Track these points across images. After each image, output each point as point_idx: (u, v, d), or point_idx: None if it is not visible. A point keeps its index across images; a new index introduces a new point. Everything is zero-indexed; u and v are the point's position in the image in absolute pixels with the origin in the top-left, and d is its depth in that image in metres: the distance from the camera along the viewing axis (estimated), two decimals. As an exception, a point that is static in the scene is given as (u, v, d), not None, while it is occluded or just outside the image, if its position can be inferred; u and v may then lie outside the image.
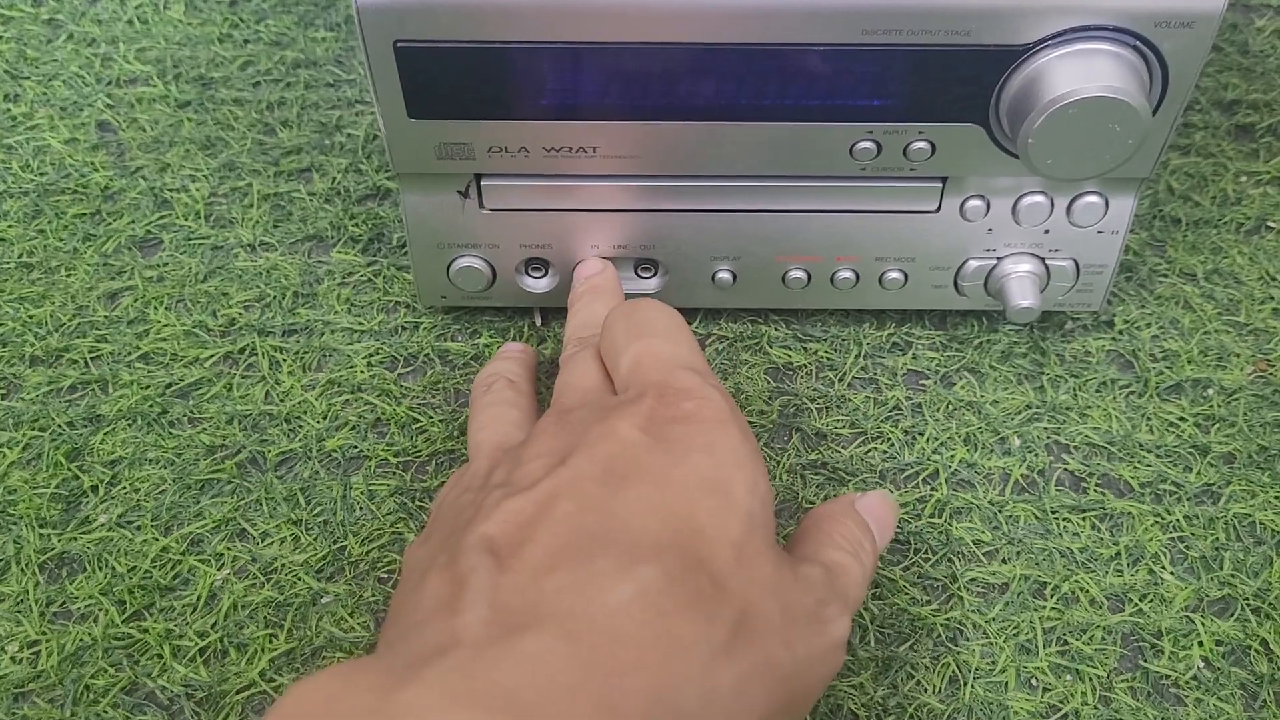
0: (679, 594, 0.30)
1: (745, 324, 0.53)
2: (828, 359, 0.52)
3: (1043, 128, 0.41)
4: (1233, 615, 0.45)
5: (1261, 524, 0.47)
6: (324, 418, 0.50)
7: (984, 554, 0.46)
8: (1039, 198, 0.47)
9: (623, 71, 0.42)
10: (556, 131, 0.44)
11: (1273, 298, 0.54)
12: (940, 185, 0.47)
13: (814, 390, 0.51)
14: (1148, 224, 0.57)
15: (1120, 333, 0.53)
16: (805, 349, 0.52)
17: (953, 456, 0.49)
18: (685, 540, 0.32)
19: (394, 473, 0.48)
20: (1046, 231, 0.48)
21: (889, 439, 0.49)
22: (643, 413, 0.35)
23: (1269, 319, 0.53)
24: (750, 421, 0.50)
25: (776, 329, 0.53)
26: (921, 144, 0.44)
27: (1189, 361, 0.52)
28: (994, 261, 0.49)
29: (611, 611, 0.29)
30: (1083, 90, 0.40)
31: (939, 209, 0.48)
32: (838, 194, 0.47)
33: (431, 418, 0.50)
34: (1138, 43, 0.41)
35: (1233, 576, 0.45)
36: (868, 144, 0.44)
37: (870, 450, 0.49)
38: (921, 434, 0.50)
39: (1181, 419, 0.50)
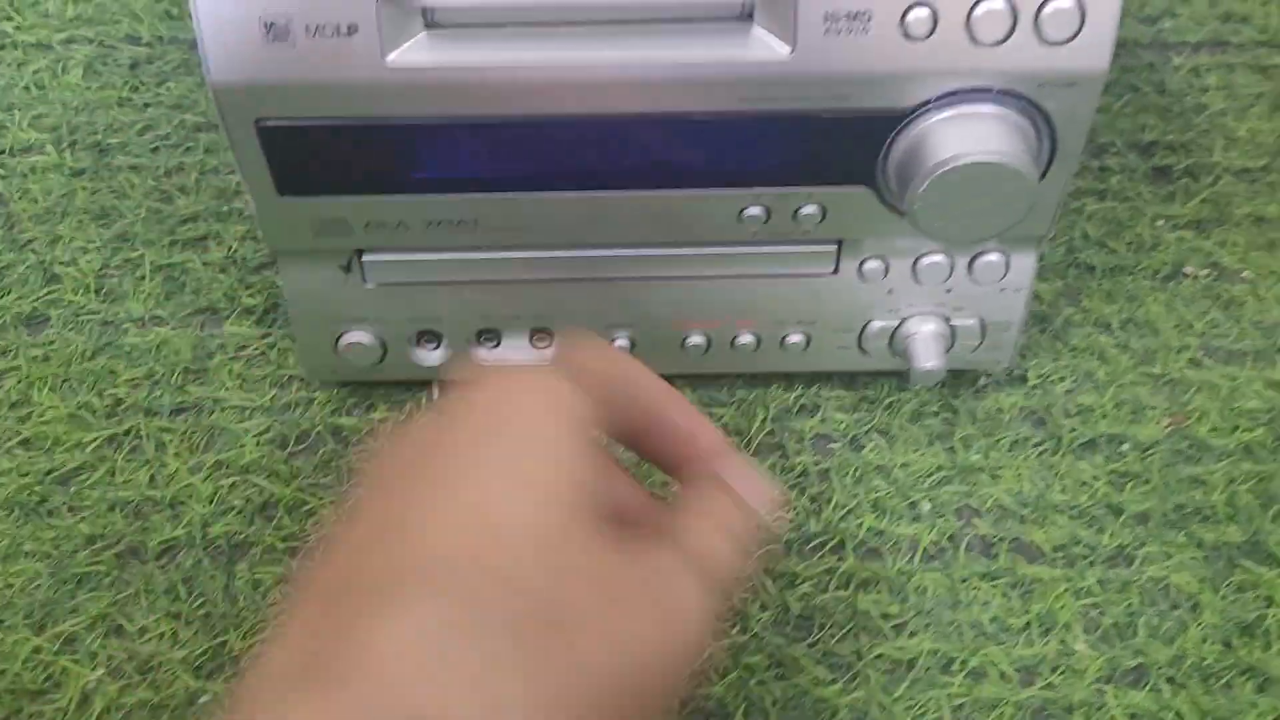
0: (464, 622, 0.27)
1: (650, 389, 0.51)
2: (733, 424, 0.50)
3: (928, 193, 0.40)
4: (1146, 686, 0.43)
5: (1176, 587, 0.46)
6: (209, 501, 0.48)
7: (891, 628, 0.45)
8: (938, 258, 0.46)
9: (497, 144, 0.41)
10: (434, 206, 0.43)
11: (1189, 346, 0.53)
12: (835, 248, 0.45)
13: (719, 458, 0.49)
14: (1062, 272, 0.56)
15: (1034, 388, 0.52)
16: (710, 414, 0.51)
17: (860, 524, 0.47)
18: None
19: (281, 559, 0.46)
20: (949, 291, 0.47)
21: (795, 507, 0.48)
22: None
23: (1185, 369, 0.52)
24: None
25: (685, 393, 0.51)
26: (811, 208, 0.43)
27: (1103, 416, 0.50)
28: (897, 322, 0.48)
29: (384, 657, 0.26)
30: (966, 155, 0.39)
31: (836, 271, 0.46)
32: (731, 260, 0.46)
33: (322, 499, 0.48)
34: (1023, 104, 0.40)
35: (1146, 644, 0.44)
36: (756, 210, 0.43)
37: (776, 519, 0.48)
38: (829, 501, 0.48)
39: (1095, 477, 0.49)
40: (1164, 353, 0.53)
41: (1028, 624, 0.45)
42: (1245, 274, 0.56)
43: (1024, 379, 0.52)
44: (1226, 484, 0.48)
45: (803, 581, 0.46)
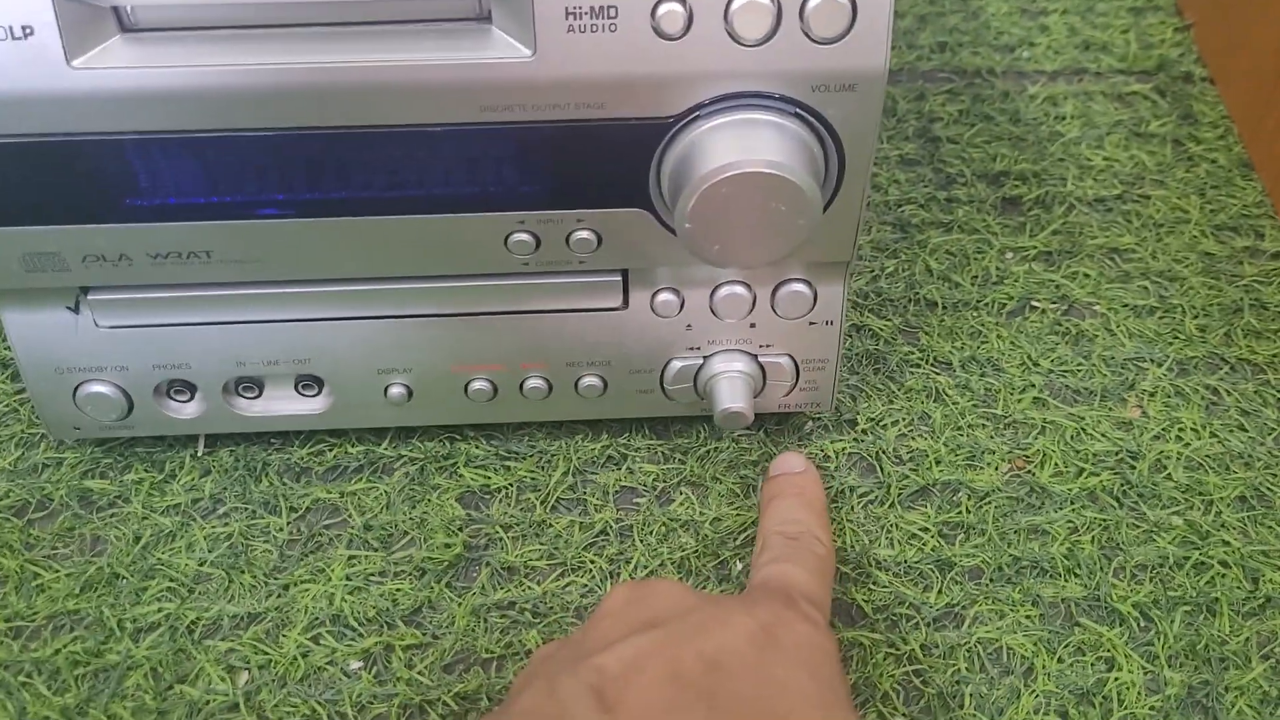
0: None
1: (441, 442, 0.47)
2: (530, 479, 0.46)
3: (697, 209, 0.35)
4: (971, 764, 0.38)
5: (1009, 649, 0.41)
6: (-74, 578, 0.42)
7: (688, 704, 0.40)
8: (737, 288, 0.41)
9: (212, 162, 0.36)
10: (153, 236, 0.38)
11: (1034, 385, 0.49)
12: (620, 279, 0.41)
13: (510, 517, 0.44)
14: (901, 309, 0.52)
15: (864, 432, 0.47)
16: (506, 468, 0.46)
17: (662, 587, 0.42)
18: None
19: (1, 641, 0.41)
20: (753, 325, 0.43)
21: (590, 570, 0.43)
22: (759, 616, 0.34)
23: (1029, 410, 0.48)
24: (429, 559, 0.43)
25: (476, 446, 0.46)
26: (584, 233, 0.39)
27: (937, 462, 0.46)
28: (699, 361, 0.43)
29: None
30: (736, 165, 0.35)
31: (626, 305, 0.42)
32: (507, 293, 0.41)
33: (56, 572, 0.43)
34: (801, 111, 0.36)
35: (974, 717, 0.39)
36: (523, 236, 0.39)
37: (569, 585, 0.43)
38: (628, 562, 0.43)
39: (925, 529, 0.44)
40: (1006, 392, 0.48)
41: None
42: (1096, 307, 0.52)
43: (853, 423, 0.47)
44: (1068, 534, 0.44)
45: (592, 653, 0.41)
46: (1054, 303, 0.52)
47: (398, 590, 0.42)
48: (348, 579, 0.43)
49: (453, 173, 0.37)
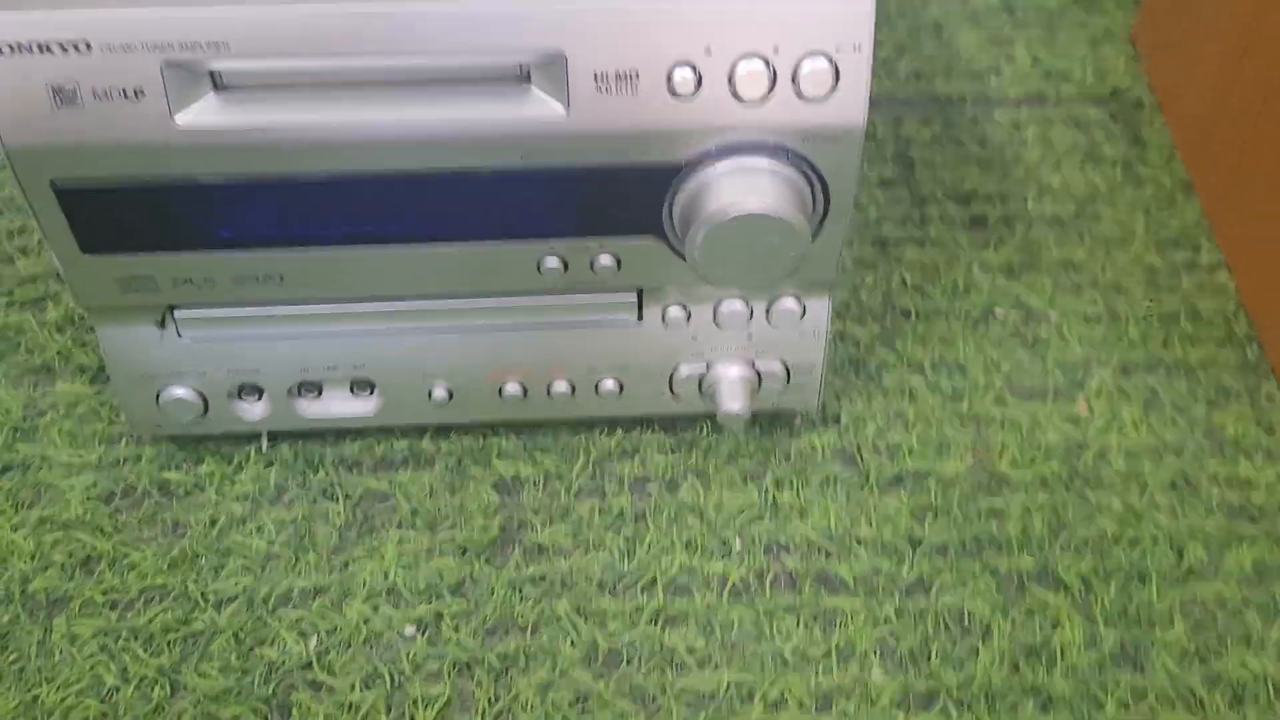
0: None
1: (475, 437, 0.53)
2: (556, 470, 0.52)
3: (705, 242, 0.42)
4: (937, 709, 0.45)
5: (970, 613, 0.48)
6: (31, 558, 0.48)
7: (696, 661, 0.46)
8: (736, 304, 0.48)
9: (291, 202, 0.42)
10: (236, 263, 0.44)
11: (995, 385, 0.55)
12: (636, 296, 0.47)
13: (539, 502, 0.51)
14: (879, 317, 0.58)
15: (846, 427, 0.54)
16: (533, 460, 0.52)
17: (672, 562, 0.49)
18: None
19: (100, 612, 0.47)
20: (750, 336, 0.49)
21: (610, 549, 0.49)
22: None
23: (990, 406, 0.55)
24: (469, 539, 0.49)
25: (506, 440, 0.53)
26: (606, 258, 0.45)
27: (910, 453, 0.53)
28: (704, 367, 0.50)
29: None
30: (738, 206, 0.41)
31: (640, 319, 0.48)
32: (538, 310, 0.48)
33: (144, 552, 0.49)
34: (794, 158, 0.42)
35: (938, 669, 0.46)
36: (553, 261, 0.45)
37: (591, 560, 0.49)
38: (642, 541, 0.50)
39: (899, 511, 0.51)
40: (971, 391, 0.55)
41: (827, 653, 0.46)
42: (1051, 315, 0.58)
43: (837, 419, 0.54)
44: (1021, 514, 0.51)
45: (613, 619, 0.47)
46: (1015, 311, 0.59)
47: (443, 566, 0.49)
48: (399, 556, 0.49)
49: (495, 208, 0.43)
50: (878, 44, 0.73)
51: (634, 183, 0.43)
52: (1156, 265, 0.61)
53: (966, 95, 0.70)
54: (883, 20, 0.74)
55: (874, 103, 0.70)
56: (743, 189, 0.42)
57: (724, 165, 0.42)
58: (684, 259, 0.45)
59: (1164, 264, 0.61)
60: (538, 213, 0.43)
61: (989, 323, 0.58)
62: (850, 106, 0.41)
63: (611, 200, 0.43)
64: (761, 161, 0.42)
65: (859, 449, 0.53)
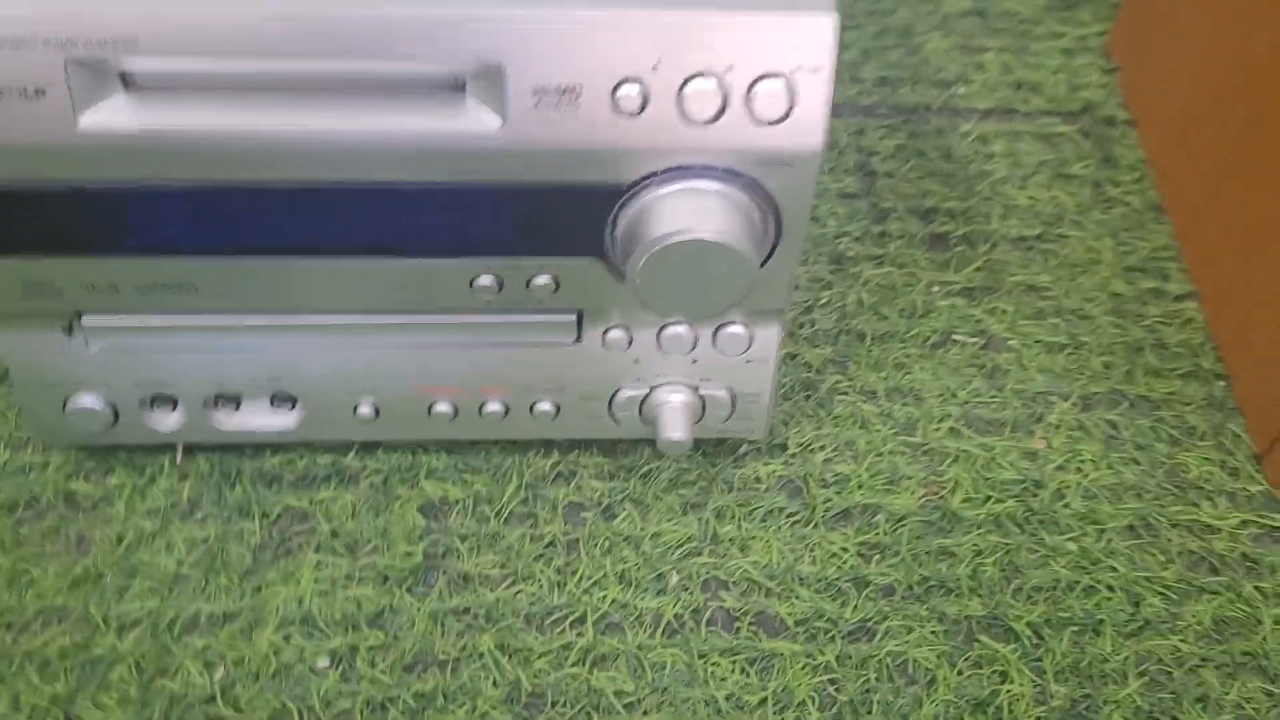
0: None
1: (404, 454, 0.50)
2: (486, 492, 0.49)
3: (647, 269, 0.39)
4: (874, 764, 0.43)
5: (915, 662, 0.46)
6: (-80, 573, 0.45)
7: (624, 705, 0.44)
8: (680, 329, 0.45)
9: (203, 209, 0.39)
10: (144, 269, 0.41)
11: (950, 415, 0.53)
12: (575, 318, 0.45)
13: (466, 528, 0.48)
14: (833, 339, 0.56)
15: (793, 456, 0.51)
16: (464, 481, 0.50)
17: (604, 597, 0.47)
18: None
19: (-8, 634, 0.44)
20: (695, 361, 0.47)
21: (539, 580, 0.47)
22: None
23: (945, 439, 0.52)
24: (391, 566, 0.47)
25: (436, 459, 0.50)
26: (544, 279, 0.42)
27: (859, 486, 0.51)
28: (646, 391, 0.47)
29: None
30: (683, 232, 0.39)
31: (579, 340, 0.46)
32: (471, 329, 0.45)
33: (45, 569, 0.46)
34: (745, 182, 0.40)
35: (878, 721, 0.44)
36: (487, 280, 0.42)
37: (519, 593, 0.47)
38: (574, 573, 0.47)
39: (845, 549, 0.49)
40: (925, 421, 0.53)
41: (763, 700, 0.44)
42: (1011, 342, 0.56)
43: (784, 447, 0.52)
44: (973, 556, 0.49)
45: (539, 657, 0.45)
46: (973, 337, 0.56)
47: (362, 594, 0.46)
48: (316, 582, 0.46)
49: (424, 224, 0.40)
50: (842, 47, 0.71)
51: (574, 203, 0.40)
52: (1122, 292, 0.59)
53: (933, 104, 0.67)
54: (848, 21, 0.72)
55: (837, 109, 0.67)
56: (688, 213, 0.39)
57: (669, 188, 0.39)
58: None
59: (1130, 290, 0.59)
60: (470, 230, 0.41)
61: (947, 348, 0.56)
62: (807, 130, 0.38)
63: (550, 220, 0.40)
64: (710, 185, 0.39)
65: (806, 480, 0.51)
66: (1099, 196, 0.63)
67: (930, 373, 0.55)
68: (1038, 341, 0.56)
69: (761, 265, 0.42)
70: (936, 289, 0.58)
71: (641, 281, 0.40)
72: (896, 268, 0.59)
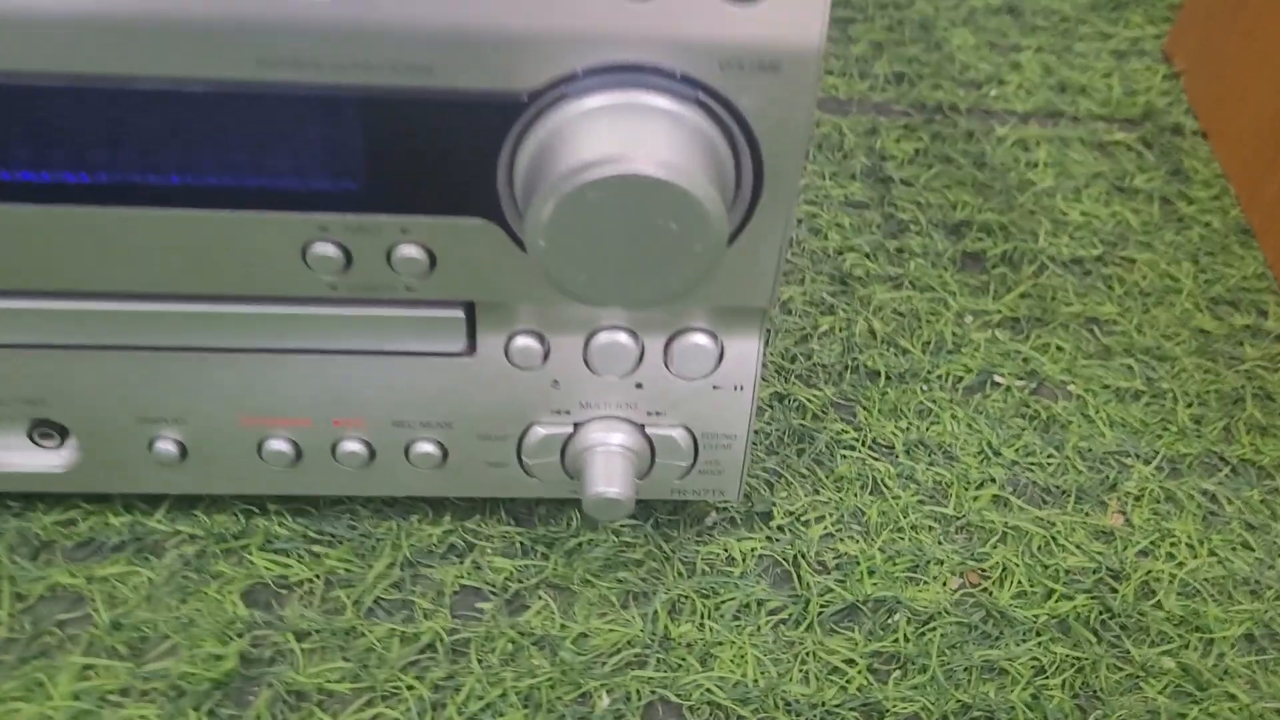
0: None
1: (234, 516, 0.36)
2: (344, 571, 0.35)
3: (555, 223, 0.26)
4: None
5: (953, 834, 0.31)
6: None
7: None
8: (619, 336, 0.32)
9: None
10: None
11: (994, 479, 0.39)
12: (462, 314, 0.31)
13: (309, 621, 0.34)
14: (835, 377, 0.42)
15: (780, 529, 0.37)
16: (313, 555, 0.35)
17: (500, 728, 0.32)
18: None
19: None
20: (639, 386, 0.33)
21: (406, 700, 0.32)
22: None
23: (987, 510, 0.38)
24: (190, 674, 0.32)
25: (279, 524, 0.36)
26: (410, 249, 0.29)
27: (870, 573, 0.36)
28: (569, 429, 0.33)
29: None
30: (610, 163, 0.25)
31: (472, 350, 0.32)
32: (312, 325, 0.31)
33: None
34: (704, 96, 0.26)
35: None
36: (326, 247, 0.29)
37: (376, 719, 0.32)
38: (458, 691, 0.33)
39: (850, 662, 0.34)
40: (960, 487, 0.39)
41: None
42: (1071, 387, 0.42)
43: (768, 516, 0.37)
44: (1032, 675, 0.34)
45: (395, 819, 0.30)
46: (1020, 379, 0.43)
47: (141, 718, 0.31)
48: (76, 698, 0.32)
49: (226, 153, 0.27)
50: (849, 39, 0.58)
51: (448, 124, 0.26)
52: (1210, 329, 0.45)
53: (960, 105, 0.54)
54: (855, 12, 0.59)
55: (844, 105, 0.54)
56: (621, 139, 0.25)
57: (592, 101, 0.26)
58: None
59: (1220, 328, 0.45)
60: (294, 166, 0.27)
61: (986, 392, 0.42)
62: (799, 11, 0.25)
63: (412, 152, 0.27)
64: (653, 98, 0.26)
65: (798, 562, 0.36)
66: (1170, 215, 0.50)
67: (965, 423, 0.41)
68: (1105, 387, 0.42)
69: (735, 233, 0.28)
70: (970, 319, 0.45)
71: (548, 245, 0.26)
72: (918, 291, 0.45)
